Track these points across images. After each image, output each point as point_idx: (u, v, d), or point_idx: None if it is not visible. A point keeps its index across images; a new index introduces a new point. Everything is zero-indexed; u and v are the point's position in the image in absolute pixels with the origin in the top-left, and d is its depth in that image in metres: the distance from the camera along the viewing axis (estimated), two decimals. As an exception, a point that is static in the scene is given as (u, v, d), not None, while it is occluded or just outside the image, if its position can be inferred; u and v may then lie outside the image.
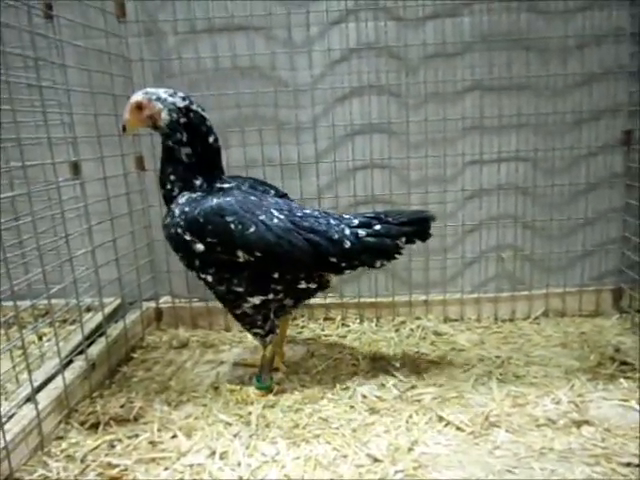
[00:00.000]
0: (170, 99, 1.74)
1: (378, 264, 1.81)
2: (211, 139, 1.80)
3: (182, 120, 1.74)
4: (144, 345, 2.30)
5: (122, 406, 1.77)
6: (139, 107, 1.74)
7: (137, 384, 1.96)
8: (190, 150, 1.76)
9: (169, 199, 1.80)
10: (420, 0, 2.22)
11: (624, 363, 1.92)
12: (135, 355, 2.20)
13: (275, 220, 1.70)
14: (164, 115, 1.73)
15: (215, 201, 1.70)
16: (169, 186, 1.79)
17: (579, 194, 2.38)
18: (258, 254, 1.68)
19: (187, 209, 1.71)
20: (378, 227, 1.79)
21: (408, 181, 2.38)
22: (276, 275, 1.75)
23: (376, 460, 1.47)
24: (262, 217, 1.69)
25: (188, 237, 1.70)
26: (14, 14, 1.68)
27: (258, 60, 2.30)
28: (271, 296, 1.77)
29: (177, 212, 1.72)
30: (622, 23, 2.22)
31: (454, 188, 2.38)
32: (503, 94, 2.30)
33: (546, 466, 1.42)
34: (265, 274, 1.74)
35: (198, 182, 1.78)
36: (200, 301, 2.47)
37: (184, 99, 1.76)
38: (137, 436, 1.62)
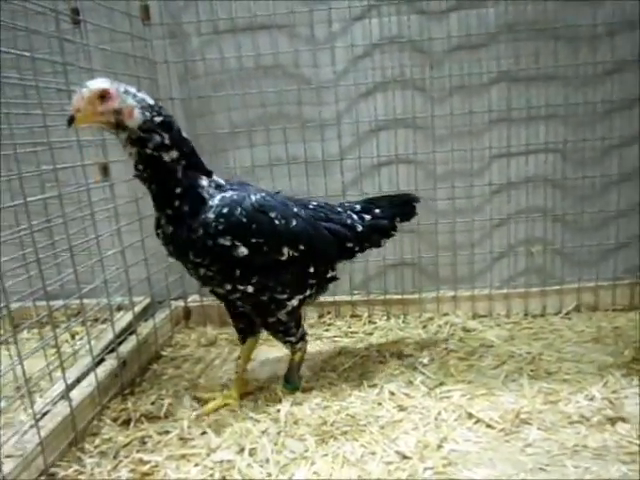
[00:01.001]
0: (140, 95, 1.48)
1: (383, 243, 1.97)
2: (184, 133, 1.57)
3: (157, 119, 1.48)
4: (173, 343, 2.34)
5: (153, 403, 1.80)
6: (103, 96, 1.41)
7: (167, 381, 1.99)
8: (177, 153, 1.52)
9: (182, 215, 1.55)
10: (443, -8, 2.19)
11: (661, 359, 1.87)
12: (165, 353, 2.23)
13: (303, 212, 1.72)
14: (137, 114, 1.45)
15: (253, 198, 1.60)
16: (177, 202, 1.54)
17: (611, 185, 2.31)
18: (302, 248, 1.68)
19: (226, 210, 1.54)
20: (377, 210, 1.93)
21: (434, 176, 2.35)
22: (312, 269, 1.75)
23: (405, 457, 1.46)
24: (295, 210, 1.70)
25: (228, 242, 1.54)
26: (43, 21, 1.73)
27: (281, 58, 2.30)
28: (307, 292, 1.77)
29: (211, 217, 1.53)
30: (657, 7, 2.15)
31: (481, 182, 2.35)
32: (531, 85, 2.25)
33: (580, 464, 1.39)
34: (303, 270, 1.74)
35: (205, 182, 1.59)
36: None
37: (147, 95, 1.51)
38: (167, 432, 1.64)
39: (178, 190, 1.54)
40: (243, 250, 1.56)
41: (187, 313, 2.51)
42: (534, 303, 2.39)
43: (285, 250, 1.65)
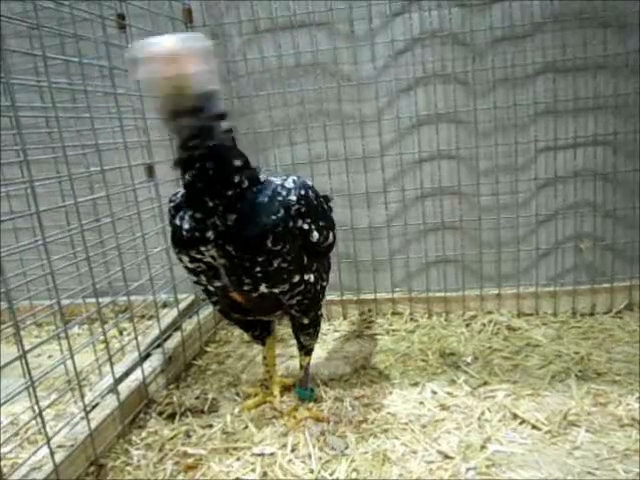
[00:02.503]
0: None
1: None
2: None
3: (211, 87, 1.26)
4: (217, 339, 2.38)
5: (197, 398, 1.84)
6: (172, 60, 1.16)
7: (211, 377, 2.03)
8: (228, 124, 1.34)
9: (238, 197, 1.33)
10: (486, -17, 2.14)
11: None
12: (209, 349, 2.28)
13: None
14: (201, 79, 1.21)
15: (308, 181, 1.54)
16: (237, 179, 1.34)
17: (667, 178, 2.21)
18: (335, 231, 1.66)
19: (304, 192, 1.45)
20: None
21: (477, 171, 2.30)
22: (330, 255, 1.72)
23: (447, 457, 1.44)
24: None
25: (306, 226, 1.44)
26: (90, 27, 1.79)
27: (321, 56, 2.30)
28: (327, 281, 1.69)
29: (294, 199, 1.41)
30: None
31: (526, 177, 2.28)
32: (578, 75, 2.18)
33: (630, 468, 1.34)
34: (329, 259, 1.72)
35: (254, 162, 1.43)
36: (269, 296, 2.52)
37: None
38: (211, 427, 1.68)
39: (238, 163, 1.36)
40: (315, 235, 1.48)
41: (230, 310, 2.55)
42: (583, 301, 2.31)
43: (331, 235, 1.61)
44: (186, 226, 1.36)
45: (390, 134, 2.33)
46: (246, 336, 2.34)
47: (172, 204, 1.48)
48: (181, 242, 1.39)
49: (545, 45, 2.17)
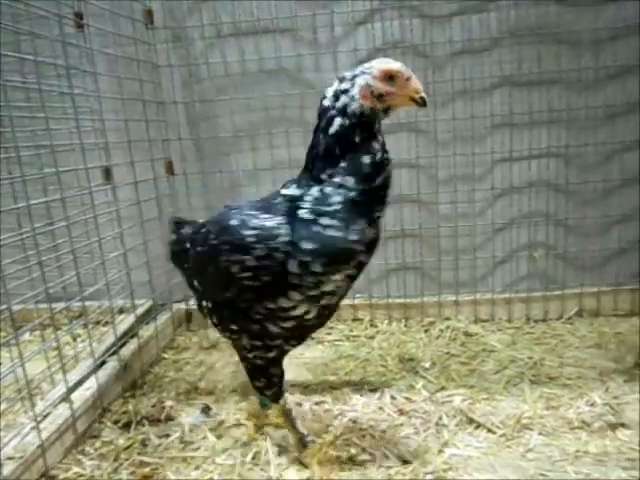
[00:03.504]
0: None
1: None
2: None
3: None
4: (175, 346, 2.34)
5: (154, 406, 1.81)
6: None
7: (168, 384, 1.99)
8: None
9: None
10: (446, -3, 2.20)
11: (663, 364, 1.86)
12: (166, 356, 2.23)
13: None
14: None
15: None
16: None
17: (614, 190, 2.31)
18: None
19: None
20: None
21: (436, 180, 2.35)
22: None
23: (405, 462, 1.46)
24: None
25: None
26: (46, 24, 1.74)
27: (284, 62, 2.31)
28: None
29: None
30: (656, 13, 2.15)
31: (483, 186, 2.35)
32: (533, 89, 2.25)
33: (581, 470, 1.39)
34: None
35: None
36: (229, 302, 2.49)
37: None
38: (168, 436, 1.65)
39: None
40: None
41: (188, 316, 2.51)
42: (536, 308, 2.38)
43: None
44: (354, 237, 1.27)
45: (352, 142, 2.35)
46: (204, 343, 2.32)
47: (313, 214, 1.28)
48: (346, 254, 1.29)
49: (502, 59, 2.24)
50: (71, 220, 1.72)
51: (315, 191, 1.29)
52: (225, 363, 2.15)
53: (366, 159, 1.30)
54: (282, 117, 2.35)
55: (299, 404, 1.76)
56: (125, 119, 2.04)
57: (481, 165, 2.33)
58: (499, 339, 2.20)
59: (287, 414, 1.53)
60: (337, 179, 1.28)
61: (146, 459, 1.53)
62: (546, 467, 1.41)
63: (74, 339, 2.20)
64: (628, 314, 2.33)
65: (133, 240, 2.08)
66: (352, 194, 1.27)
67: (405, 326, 2.37)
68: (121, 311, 2.22)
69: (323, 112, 1.34)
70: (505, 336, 2.23)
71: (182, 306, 2.50)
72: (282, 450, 1.54)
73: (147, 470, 1.48)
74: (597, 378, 1.82)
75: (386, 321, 2.43)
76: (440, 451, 1.49)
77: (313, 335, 2.30)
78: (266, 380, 1.48)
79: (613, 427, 1.54)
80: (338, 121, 1.30)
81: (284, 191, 1.35)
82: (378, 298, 2.46)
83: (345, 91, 1.31)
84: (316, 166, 1.32)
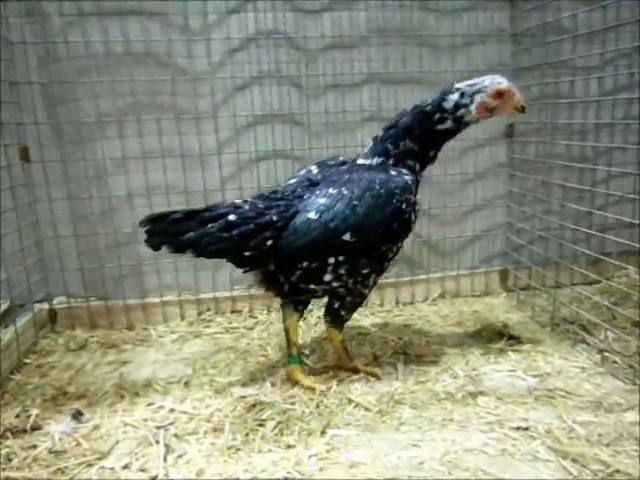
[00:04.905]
0: None
1: None
2: None
3: None
4: (38, 349, 2.15)
5: (17, 416, 1.64)
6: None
7: (32, 391, 1.82)
8: None
9: None
10: (316, -9, 2.25)
11: (512, 337, 2.10)
12: (28, 361, 2.04)
13: None
14: None
15: None
16: None
17: (468, 182, 2.55)
18: None
19: None
20: None
21: (311, 171, 2.40)
22: None
23: (289, 446, 1.49)
24: None
25: None
26: None
27: (153, 46, 2.21)
28: None
29: None
30: (503, 24, 2.40)
31: (355, 178, 2.44)
32: (399, 88, 2.40)
33: (447, 436, 1.51)
34: None
35: None
36: (98, 300, 2.35)
37: None
38: (36, 447, 1.51)
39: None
40: None
41: (53, 316, 2.31)
42: (404, 292, 2.56)
43: None
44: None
45: (227, 132, 2.33)
46: (72, 344, 2.17)
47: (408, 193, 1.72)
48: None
49: (370, 57, 2.35)
50: None
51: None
52: (95, 364, 2.03)
53: (431, 152, 1.81)
54: (152, 103, 2.25)
55: (181, 401, 1.72)
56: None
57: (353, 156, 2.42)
58: (372, 322, 2.33)
59: (344, 342, 1.91)
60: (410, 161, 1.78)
61: (12, 475, 1.39)
62: (417, 437, 1.52)
63: None
64: (482, 294, 2.61)
65: (-16, 235, 1.88)
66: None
67: (283, 315, 2.41)
68: (-29, 315, 1.99)
69: (439, 110, 1.71)
70: (377, 319, 2.37)
71: (45, 306, 2.30)
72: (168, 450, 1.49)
73: (13, 486, 1.35)
74: (459, 353, 2.00)
75: (265, 312, 2.45)
76: (323, 432, 1.54)
77: (191, 329, 2.29)
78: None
79: (473, 396, 1.70)
80: (449, 124, 1.71)
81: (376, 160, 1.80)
82: (256, 289, 2.47)
83: (465, 105, 1.69)
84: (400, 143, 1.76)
